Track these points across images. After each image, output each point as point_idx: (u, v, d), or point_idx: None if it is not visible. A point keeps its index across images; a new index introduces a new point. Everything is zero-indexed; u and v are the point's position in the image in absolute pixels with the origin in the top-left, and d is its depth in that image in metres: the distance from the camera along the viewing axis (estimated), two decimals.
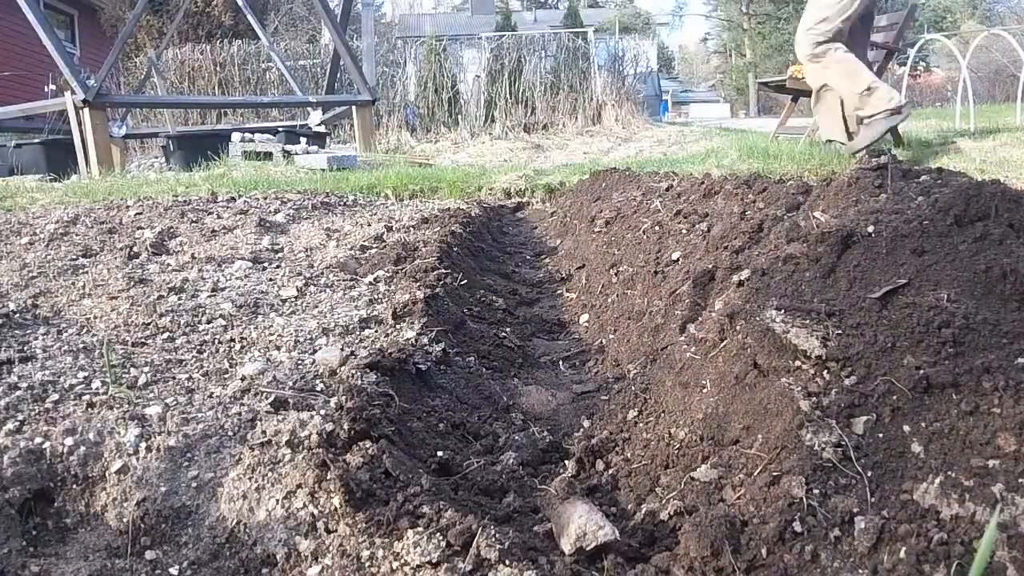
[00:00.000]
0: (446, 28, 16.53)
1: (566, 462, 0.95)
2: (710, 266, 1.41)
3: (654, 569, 0.71)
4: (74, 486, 0.84)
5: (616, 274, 1.84)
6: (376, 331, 1.36)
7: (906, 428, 0.71)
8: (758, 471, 0.76)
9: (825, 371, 0.80)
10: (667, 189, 2.35)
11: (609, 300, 1.74)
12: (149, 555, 0.77)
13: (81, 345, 1.23)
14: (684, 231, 1.72)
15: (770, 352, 0.87)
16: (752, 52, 30.54)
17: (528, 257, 2.79)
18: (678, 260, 1.63)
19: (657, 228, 1.91)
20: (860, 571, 0.64)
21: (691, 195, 2.10)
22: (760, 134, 6.30)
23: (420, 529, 0.72)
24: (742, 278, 1.10)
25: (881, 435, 0.72)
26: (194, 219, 2.60)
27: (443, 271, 1.76)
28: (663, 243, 1.76)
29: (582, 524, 0.74)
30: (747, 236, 1.42)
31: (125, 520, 0.81)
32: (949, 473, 0.66)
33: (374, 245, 2.21)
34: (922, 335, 0.78)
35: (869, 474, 0.70)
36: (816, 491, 0.70)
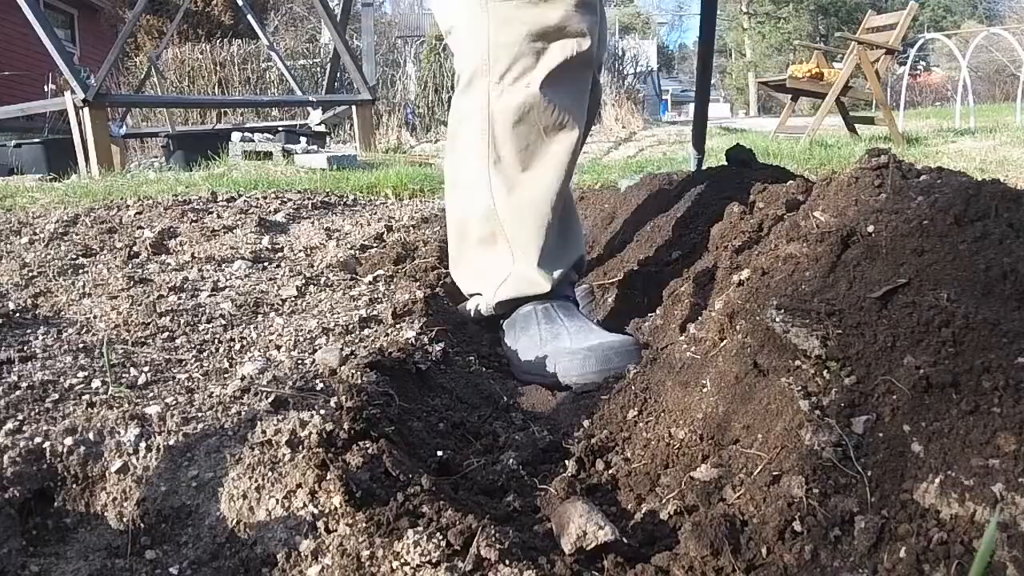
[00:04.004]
0: None
1: (566, 462, 0.95)
2: (710, 266, 1.41)
3: (654, 568, 0.71)
4: (74, 486, 0.84)
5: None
6: (376, 331, 1.36)
7: (906, 428, 0.71)
8: (758, 471, 0.76)
9: (825, 371, 0.80)
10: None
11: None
12: (149, 555, 0.77)
13: (81, 345, 1.23)
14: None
15: (770, 352, 0.87)
16: (752, 52, 30.52)
17: None
18: (678, 259, 1.63)
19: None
20: (860, 571, 0.64)
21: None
22: (760, 134, 6.31)
23: (420, 529, 0.72)
24: (742, 278, 1.10)
25: (881, 435, 0.72)
26: (194, 219, 2.60)
27: (443, 270, 1.76)
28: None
29: (582, 524, 0.74)
30: (747, 236, 1.42)
31: (125, 520, 0.81)
32: (949, 473, 0.66)
33: (374, 245, 2.21)
34: (922, 335, 0.78)
35: (869, 474, 0.70)
36: (816, 491, 0.70)
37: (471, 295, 1.50)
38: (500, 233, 1.35)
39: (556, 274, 1.37)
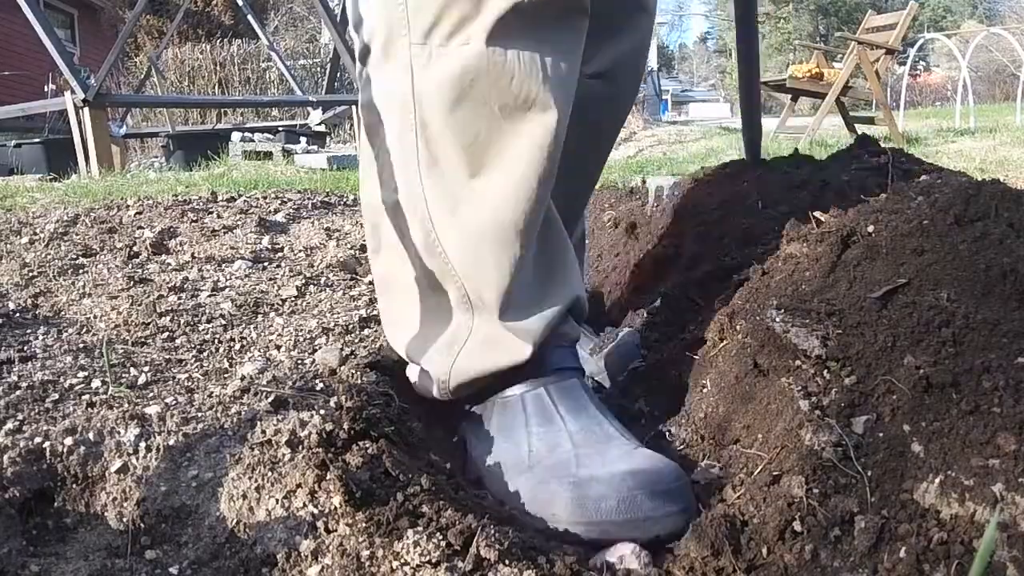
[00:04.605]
0: None
1: None
2: (711, 266, 1.41)
3: (655, 569, 0.71)
4: (74, 486, 0.84)
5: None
6: (376, 330, 1.36)
7: (906, 427, 0.71)
8: (758, 471, 0.77)
9: (825, 371, 0.80)
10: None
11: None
12: (149, 555, 0.77)
13: (81, 345, 1.23)
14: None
15: (770, 352, 0.87)
16: None
17: None
18: (678, 259, 1.62)
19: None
20: (860, 571, 0.64)
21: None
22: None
23: (420, 529, 0.72)
24: (742, 278, 1.10)
25: (881, 435, 0.72)
26: (194, 219, 2.60)
27: None
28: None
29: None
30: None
31: (125, 520, 0.81)
32: (949, 473, 0.66)
33: None
34: (922, 335, 0.78)
35: (869, 473, 0.70)
36: (816, 491, 0.70)
37: (419, 367, 0.99)
38: (447, 272, 0.88)
39: (538, 328, 0.88)
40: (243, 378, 1.07)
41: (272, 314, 1.47)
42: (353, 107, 7.69)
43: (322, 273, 1.82)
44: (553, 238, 0.93)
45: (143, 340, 1.28)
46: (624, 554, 0.72)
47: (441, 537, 0.71)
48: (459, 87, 0.80)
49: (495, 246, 0.84)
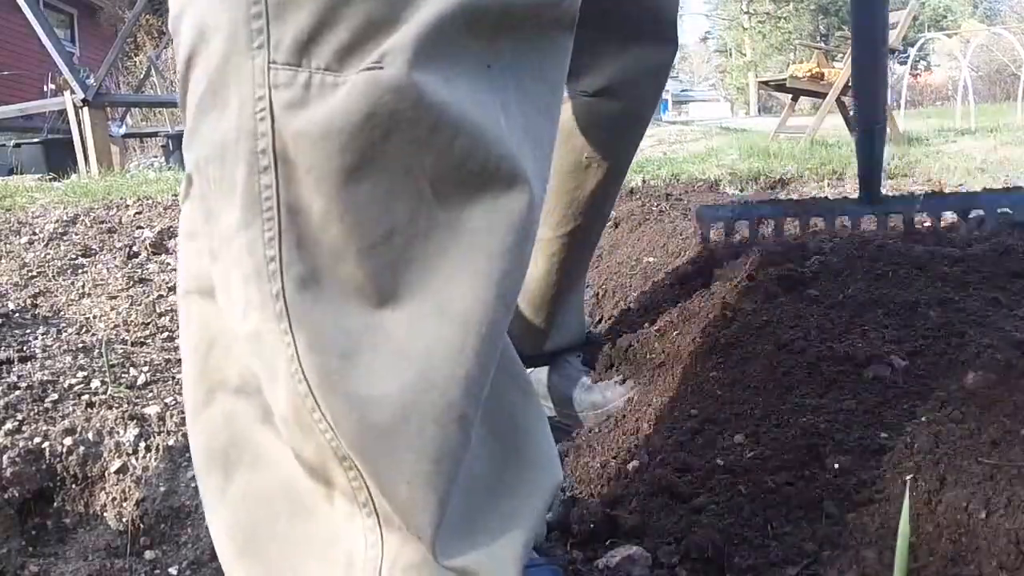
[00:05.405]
0: None
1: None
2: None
3: (658, 570, 0.70)
4: (73, 486, 0.84)
5: (617, 273, 1.85)
6: None
7: None
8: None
9: None
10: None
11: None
12: (148, 555, 0.77)
13: (81, 345, 1.23)
14: (691, 231, 1.73)
15: None
16: (752, 51, 30.52)
17: None
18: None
19: (663, 227, 1.91)
20: None
21: (693, 194, 2.11)
22: (760, 134, 6.31)
23: None
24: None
25: None
26: None
27: None
28: (670, 240, 1.77)
29: None
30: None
31: (124, 520, 0.81)
32: None
33: None
34: None
35: None
36: None
37: None
38: (333, 457, 0.48)
39: (510, 559, 0.52)
40: None
41: None
42: None
43: None
44: (514, 399, 0.57)
45: (143, 340, 1.28)
46: (628, 555, 0.71)
47: None
48: (361, 144, 0.45)
49: (418, 425, 0.48)
